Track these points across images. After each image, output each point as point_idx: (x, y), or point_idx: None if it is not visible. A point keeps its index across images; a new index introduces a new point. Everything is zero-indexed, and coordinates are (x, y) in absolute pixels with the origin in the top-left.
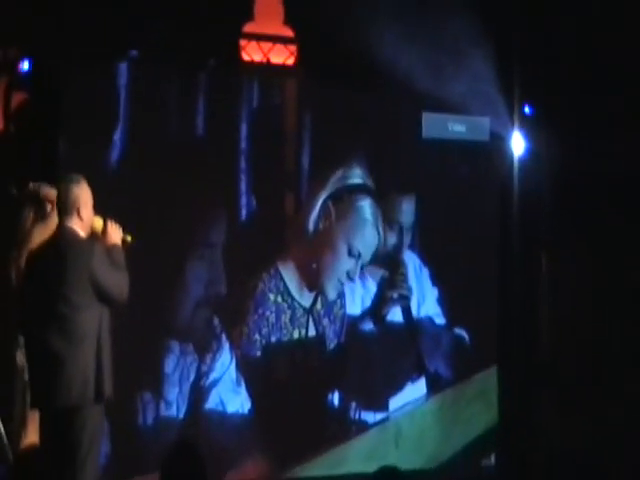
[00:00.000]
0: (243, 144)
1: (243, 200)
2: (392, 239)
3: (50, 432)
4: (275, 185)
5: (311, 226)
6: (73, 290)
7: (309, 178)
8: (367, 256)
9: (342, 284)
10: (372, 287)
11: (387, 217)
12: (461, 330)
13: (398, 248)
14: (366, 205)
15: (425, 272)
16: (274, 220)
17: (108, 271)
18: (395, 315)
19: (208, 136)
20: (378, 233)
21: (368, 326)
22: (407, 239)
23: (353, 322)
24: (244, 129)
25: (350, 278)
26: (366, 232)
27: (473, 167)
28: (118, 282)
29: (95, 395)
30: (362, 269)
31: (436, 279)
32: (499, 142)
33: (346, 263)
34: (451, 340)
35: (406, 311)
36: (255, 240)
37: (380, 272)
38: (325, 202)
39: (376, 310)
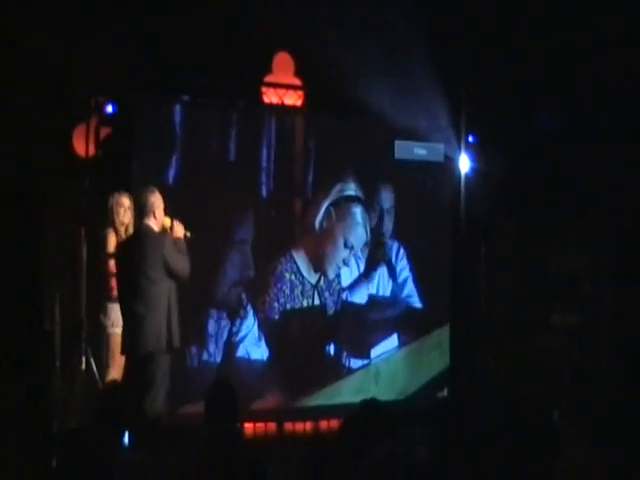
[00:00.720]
0: (264, 164)
1: (265, 205)
2: (375, 219)
3: (134, 371)
4: (289, 195)
5: (317, 225)
6: (150, 269)
7: (315, 190)
8: (358, 248)
9: (339, 267)
10: (360, 264)
11: (371, 203)
12: (422, 298)
13: (379, 226)
14: (358, 211)
15: (402, 252)
16: (289, 221)
17: (175, 256)
18: (376, 288)
19: (239, 159)
20: (366, 232)
21: (358, 296)
22: (389, 222)
23: (348, 291)
24: (265, 153)
25: (345, 263)
26: (358, 230)
27: (432, 181)
28: (182, 264)
29: (166, 346)
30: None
31: (410, 261)
32: (451, 162)
33: (342, 252)
34: (415, 306)
35: (389, 266)
36: (275, 235)
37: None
38: (328, 208)
39: (365, 273)
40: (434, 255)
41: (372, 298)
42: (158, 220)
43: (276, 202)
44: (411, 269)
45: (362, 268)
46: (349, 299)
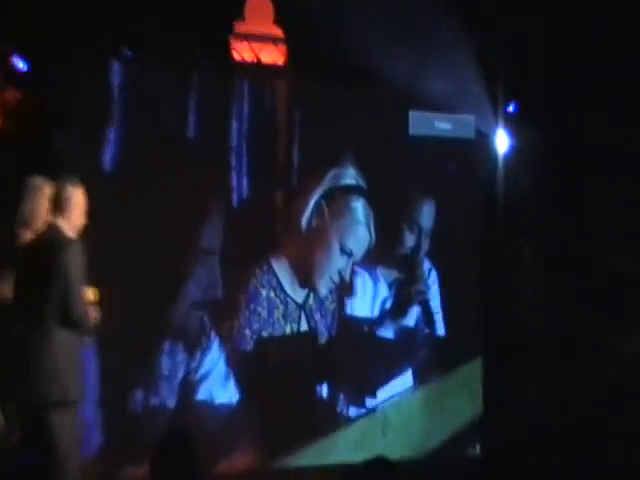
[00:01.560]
0: (234, 143)
1: (236, 197)
2: (410, 241)
3: (24, 425)
4: (268, 184)
5: (304, 224)
6: (46, 287)
7: (302, 177)
8: (358, 254)
9: (334, 282)
10: (383, 289)
11: (407, 218)
12: (445, 323)
13: (416, 250)
14: (359, 206)
15: (433, 275)
16: (268, 217)
17: (79, 285)
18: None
19: (200, 136)
20: (369, 233)
21: (384, 329)
22: (426, 243)
23: (361, 324)
24: (235, 128)
25: (342, 276)
26: (358, 232)
27: (459, 164)
28: (83, 306)
29: (61, 394)
30: (353, 267)
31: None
32: (484, 140)
33: (338, 261)
34: (437, 334)
35: (425, 309)
36: (248, 237)
37: (394, 273)
38: (319, 201)
39: (393, 311)
40: (461, 265)
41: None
42: (72, 222)
43: (250, 194)
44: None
45: (384, 287)
46: (348, 323)
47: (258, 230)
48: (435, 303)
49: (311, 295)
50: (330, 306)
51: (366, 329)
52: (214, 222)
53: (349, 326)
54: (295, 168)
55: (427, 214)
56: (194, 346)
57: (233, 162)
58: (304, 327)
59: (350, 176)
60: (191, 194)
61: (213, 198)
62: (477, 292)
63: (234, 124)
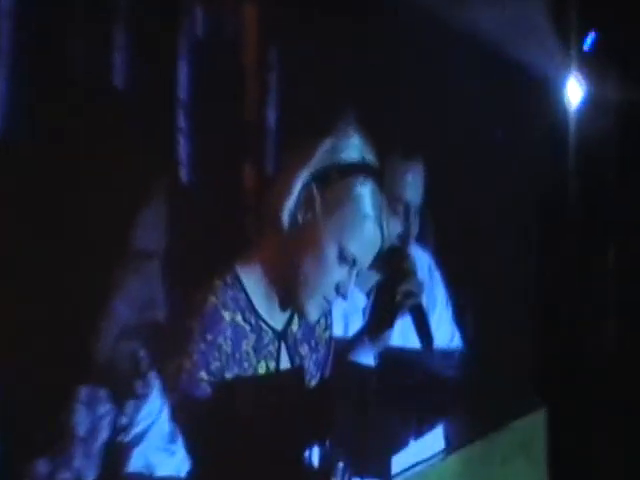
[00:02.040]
0: (183, 96)
1: (185, 176)
2: (395, 225)
3: None
4: (232, 159)
5: (285, 218)
6: None
7: (283, 149)
8: (364, 263)
9: (328, 301)
10: (359, 299)
11: (388, 194)
12: (490, 359)
13: (404, 238)
14: (366, 192)
15: (437, 277)
16: (232, 207)
17: None
18: (399, 334)
19: (131, 84)
20: (382, 232)
21: (362, 353)
22: (415, 226)
23: (343, 348)
24: (183, 75)
25: (340, 293)
26: (365, 230)
27: (511, 121)
28: None
29: None
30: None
31: (452, 286)
32: (549, 87)
33: (335, 272)
34: (476, 374)
35: (417, 318)
36: (204, 234)
37: (373, 276)
38: (307, 185)
39: (372, 326)
40: (508, 278)
41: (391, 354)
42: None
43: (206, 172)
44: (458, 304)
45: (361, 296)
46: (348, 358)
47: (218, 225)
48: (442, 314)
49: (295, 320)
50: (323, 335)
51: (364, 363)
52: (152, 212)
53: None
54: (272, 135)
55: (413, 183)
56: (124, 394)
57: (181, 124)
58: (285, 365)
59: (354, 148)
60: (118, 172)
61: (151, 177)
62: (533, 309)
63: (182, 68)
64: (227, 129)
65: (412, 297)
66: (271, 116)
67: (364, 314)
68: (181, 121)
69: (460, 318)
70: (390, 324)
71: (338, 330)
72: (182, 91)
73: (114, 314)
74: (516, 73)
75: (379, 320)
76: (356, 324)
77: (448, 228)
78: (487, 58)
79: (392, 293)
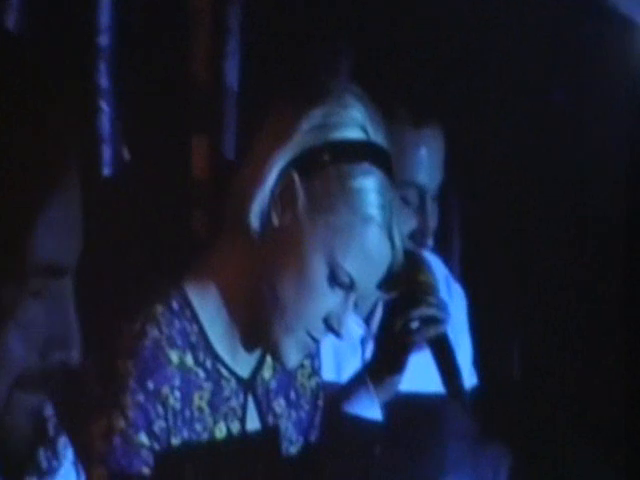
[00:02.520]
0: (105, 44)
1: (109, 157)
2: (408, 219)
3: None
4: (178, 134)
5: (254, 219)
6: None
7: (251, 122)
8: (366, 288)
9: (314, 339)
10: (355, 326)
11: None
12: (542, 412)
13: (418, 238)
14: (370, 186)
15: (457, 292)
16: (177, 205)
17: None
18: (415, 378)
19: (41, 38)
20: (392, 243)
21: (363, 404)
22: (433, 219)
23: (335, 398)
24: (106, 12)
25: (331, 328)
26: (367, 240)
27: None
28: None
29: None
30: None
31: (478, 306)
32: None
33: (324, 298)
34: (522, 433)
35: (441, 353)
36: (138, 242)
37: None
38: (286, 173)
39: (377, 366)
40: (572, 286)
41: (403, 406)
42: None
43: (140, 156)
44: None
45: (358, 323)
46: (343, 411)
47: (159, 228)
48: (460, 345)
49: (268, 364)
50: (307, 384)
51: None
52: (60, 211)
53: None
54: (234, 102)
55: (428, 160)
56: (21, 468)
57: (103, 84)
58: (253, 426)
59: (353, 123)
60: (8, 153)
61: (58, 161)
62: (612, 345)
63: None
64: (168, 92)
65: (434, 325)
66: (232, 74)
67: (363, 347)
68: (103, 80)
69: (486, 351)
70: (402, 364)
71: (328, 373)
72: (104, 38)
73: (6, 356)
74: (592, 10)
75: (386, 358)
76: (352, 362)
77: (476, 223)
78: None
79: (404, 318)
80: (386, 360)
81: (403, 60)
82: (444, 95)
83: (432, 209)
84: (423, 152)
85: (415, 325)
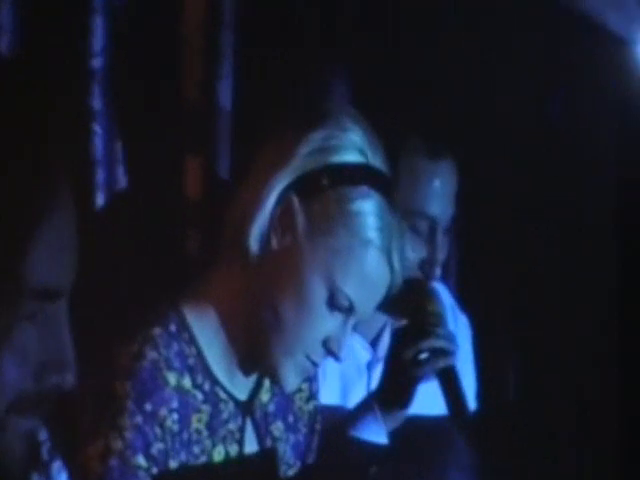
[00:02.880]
0: (98, 63)
1: (103, 182)
2: (418, 249)
3: None
4: (174, 155)
5: (254, 242)
6: None
7: (250, 144)
8: (365, 311)
9: (313, 362)
10: (361, 350)
11: (406, 207)
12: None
13: (427, 267)
14: (369, 209)
15: (462, 323)
16: (175, 227)
17: None
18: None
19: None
20: (391, 267)
21: (369, 429)
22: (443, 250)
23: (340, 422)
24: (99, 31)
25: (330, 351)
26: (366, 263)
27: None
28: None
29: None
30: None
31: (484, 337)
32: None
33: (323, 322)
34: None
35: (448, 384)
36: (135, 264)
37: (380, 318)
38: (285, 195)
39: (386, 395)
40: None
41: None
42: None
43: (136, 177)
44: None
45: (364, 348)
46: (349, 435)
47: (157, 249)
48: (465, 375)
49: (266, 387)
50: (305, 407)
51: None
52: (54, 233)
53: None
54: (227, 122)
55: (441, 192)
56: None
57: (96, 105)
58: (251, 449)
59: (352, 146)
60: (12, 182)
61: (51, 181)
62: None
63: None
64: (162, 114)
65: (443, 356)
66: (225, 95)
67: (369, 371)
68: (96, 102)
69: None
70: (410, 394)
71: (334, 397)
72: (97, 60)
73: (0, 379)
74: (583, 28)
75: (395, 387)
76: (358, 386)
77: (484, 254)
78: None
79: (414, 350)
80: (394, 390)
81: (416, 89)
82: (458, 127)
83: (442, 241)
84: (437, 184)
85: (424, 356)
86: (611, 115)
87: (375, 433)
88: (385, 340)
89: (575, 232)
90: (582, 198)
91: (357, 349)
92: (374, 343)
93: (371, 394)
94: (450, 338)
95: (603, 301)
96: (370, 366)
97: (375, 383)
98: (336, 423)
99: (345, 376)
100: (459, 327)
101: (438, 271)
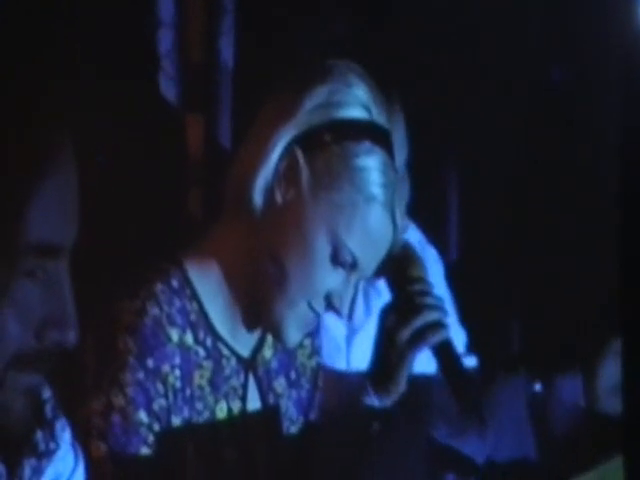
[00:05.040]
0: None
1: (102, 133)
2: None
3: None
4: (175, 107)
5: (257, 195)
6: None
7: (247, 97)
8: (368, 268)
9: (315, 312)
10: (339, 327)
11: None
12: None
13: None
14: (373, 165)
15: (432, 256)
16: (177, 180)
17: None
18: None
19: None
20: (394, 223)
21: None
22: (403, 197)
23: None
24: None
25: (332, 305)
26: (370, 219)
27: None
28: None
29: None
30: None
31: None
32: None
33: (327, 275)
34: (525, 412)
35: (444, 358)
36: (134, 218)
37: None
38: (290, 149)
39: (377, 376)
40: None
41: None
42: None
43: (135, 128)
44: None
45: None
46: (348, 396)
47: (159, 203)
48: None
49: (269, 343)
50: (308, 363)
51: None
52: (54, 187)
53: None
54: (228, 79)
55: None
56: (18, 451)
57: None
58: (254, 405)
59: (356, 102)
60: (13, 138)
61: (49, 136)
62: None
63: None
64: (162, 72)
65: (437, 331)
66: (227, 52)
67: (348, 345)
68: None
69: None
70: (407, 372)
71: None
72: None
73: (0, 337)
74: None
75: (390, 368)
76: (337, 363)
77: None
78: None
79: (410, 329)
80: (388, 371)
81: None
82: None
83: (403, 187)
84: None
85: (414, 334)
86: (616, 78)
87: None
88: (359, 311)
89: (577, 203)
90: (584, 166)
91: (332, 325)
92: (349, 315)
93: (363, 376)
94: (441, 307)
95: (605, 264)
96: (348, 340)
97: (355, 357)
98: (333, 384)
99: (324, 354)
100: (429, 261)
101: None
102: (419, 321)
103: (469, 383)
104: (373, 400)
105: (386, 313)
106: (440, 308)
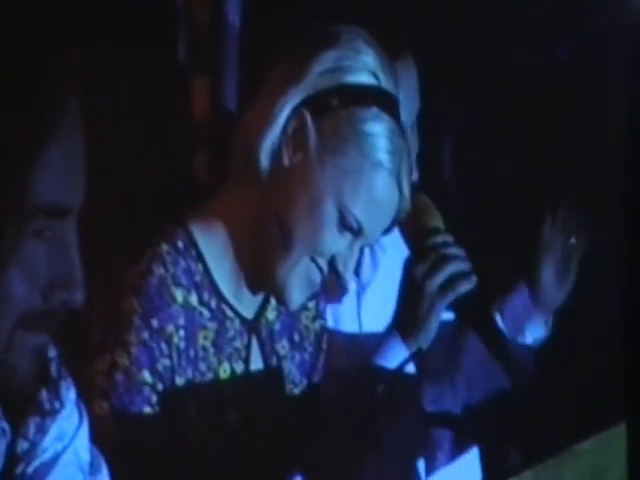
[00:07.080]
0: None
1: (109, 92)
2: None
3: None
4: (182, 68)
5: (264, 157)
6: None
7: (259, 60)
8: (372, 234)
9: (319, 268)
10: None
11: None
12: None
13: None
14: (380, 131)
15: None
16: (183, 140)
17: None
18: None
19: None
20: (400, 191)
21: (386, 354)
22: (414, 147)
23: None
24: None
25: (336, 269)
26: (376, 185)
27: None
28: None
29: None
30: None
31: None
32: None
33: (334, 240)
34: (528, 380)
35: (471, 308)
36: (140, 179)
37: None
38: (298, 112)
39: (404, 321)
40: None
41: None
42: None
43: (145, 88)
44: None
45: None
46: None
47: (164, 165)
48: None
49: (272, 305)
50: (312, 326)
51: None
52: (61, 146)
53: (349, 365)
54: (235, 40)
55: (405, 91)
56: (24, 409)
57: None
58: (257, 367)
59: (365, 68)
60: (19, 98)
61: (56, 93)
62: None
63: None
64: (168, 32)
65: (464, 280)
66: (233, 12)
67: (359, 301)
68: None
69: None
70: (434, 323)
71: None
72: None
73: (7, 294)
74: None
75: (417, 319)
76: (348, 320)
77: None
78: None
79: (440, 279)
80: (418, 321)
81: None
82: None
83: (412, 141)
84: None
85: (449, 282)
86: (622, 55)
87: (397, 358)
88: (367, 266)
89: (584, 177)
90: (591, 141)
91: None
92: (356, 271)
93: (390, 325)
94: (463, 256)
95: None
96: (358, 296)
97: (366, 312)
98: (351, 350)
99: (334, 311)
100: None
101: (415, 173)
102: (448, 270)
103: (499, 333)
104: (401, 348)
105: (412, 263)
106: (463, 256)
